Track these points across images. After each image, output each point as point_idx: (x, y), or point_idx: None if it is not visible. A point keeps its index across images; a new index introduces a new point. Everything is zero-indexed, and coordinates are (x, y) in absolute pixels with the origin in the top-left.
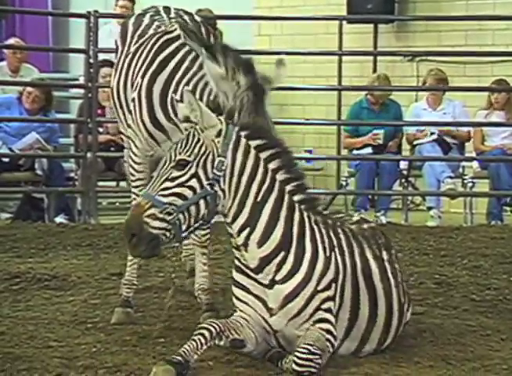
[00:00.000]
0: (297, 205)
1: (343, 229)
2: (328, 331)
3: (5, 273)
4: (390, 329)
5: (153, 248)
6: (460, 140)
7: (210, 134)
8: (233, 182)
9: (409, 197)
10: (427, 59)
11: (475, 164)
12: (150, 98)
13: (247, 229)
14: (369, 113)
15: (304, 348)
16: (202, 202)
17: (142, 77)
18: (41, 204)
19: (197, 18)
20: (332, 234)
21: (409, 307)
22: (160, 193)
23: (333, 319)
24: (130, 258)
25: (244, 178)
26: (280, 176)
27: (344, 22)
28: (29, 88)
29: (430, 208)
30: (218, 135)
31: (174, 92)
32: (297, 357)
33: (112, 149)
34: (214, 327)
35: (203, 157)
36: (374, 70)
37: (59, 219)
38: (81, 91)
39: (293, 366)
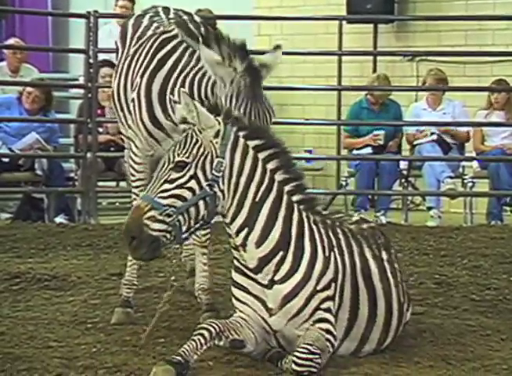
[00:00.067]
0: (295, 205)
1: (342, 229)
2: (328, 331)
3: (5, 273)
4: (389, 329)
5: (153, 250)
6: (459, 140)
7: (208, 135)
8: (232, 183)
9: (409, 197)
10: (426, 59)
11: (475, 164)
12: (149, 97)
13: (246, 230)
14: (369, 113)
15: (303, 348)
16: (201, 203)
17: (141, 77)
18: (41, 204)
19: (197, 18)
20: (331, 234)
21: (408, 307)
22: (159, 195)
23: (332, 319)
24: (130, 258)
25: (243, 179)
26: (279, 176)
27: (344, 22)
28: (29, 88)
29: (430, 208)
30: (216, 135)
31: (172, 89)
32: (297, 357)
33: (112, 149)
34: (213, 327)
35: (202, 158)
36: (374, 70)
37: (59, 219)
38: (81, 91)
39: (293, 366)
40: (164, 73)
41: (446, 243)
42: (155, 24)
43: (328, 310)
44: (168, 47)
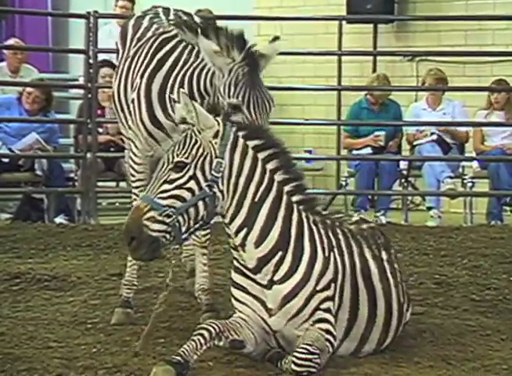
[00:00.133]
0: (295, 205)
1: (342, 230)
2: (327, 331)
3: (4, 274)
4: (389, 329)
5: (153, 251)
6: (459, 140)
7: (207, 135)
8: (231, 183)
9: (409, 197)
10: (426, 59)
11: (475, 164)
12: (149, 97)
13: (245, 230)
14: (369, 113)
15: (303, 348)
16: (201, 204)
17: (141, 77)
18: (40, 204)
19: (197, 19)
20: (331, 234)
21: (408, 307)
22: (158, 195)
23: (332, 319)
24: (130, 258)
25: (242, 179)
26: (278, 177)
27: (344, 22)
28: (29, 89)
29: (430, 208)
30: (216, 136)
31: (172, 87)
32: (296, 357)
33: (112, 149)
34: (213, 327)
35: (201, 159)
36: (374, 70)
37: (58, 220)
38: (81, 91)
39: (292, 366)
40: (163, 72)
41: (446, 243)
42: (155, 25)
43: (328, 310)
44: (168, 47)
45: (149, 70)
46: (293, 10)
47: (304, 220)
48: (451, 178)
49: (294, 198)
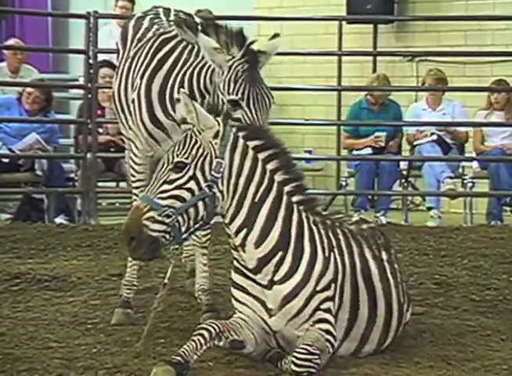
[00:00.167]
0: (295, 206)
1: (342, 230)
2: (327, 332)
3: (4, 274)
4: (389, 329)
5: (152, 251)
6: (458, 140)
7: (207, 135)
8: (231, 183)
9: (409, 198)
10: (426, 59)
11: (475, 164)
12: (149, 96)
13: (245, 230)
14: (369, 113)
15: (302, 348)
16: (200, 204)
17: (141, 78)
18: (40, 204)
19: (197, 19)
20: (331, 235)
21: (408, 307)
22: (158, 195)
23: (332, 320)
24: (130, 259)
25: (242, 179)
26: (279, 177)
27: (344, 22)
28: (29, 89)
29: (430, 208)
30: (216, 136)
31: (172, 87)
32: (296, 358)
33: (112, 149)
34: (213, 327)
35: (201, 159)
36: (374, 71)
37: (59, 220)
38: (81, 91)
39: (292, 366)
40: (163, 72)
41: (446, 243)
42: (155, 26)
43: (328, 311)
44: (168, 47)
45: (149, 70)
46: (293, 10)
47: (305, 220)
48: (451, 178)
49: (294, 198)
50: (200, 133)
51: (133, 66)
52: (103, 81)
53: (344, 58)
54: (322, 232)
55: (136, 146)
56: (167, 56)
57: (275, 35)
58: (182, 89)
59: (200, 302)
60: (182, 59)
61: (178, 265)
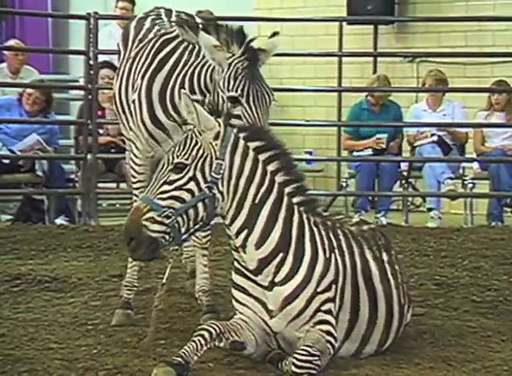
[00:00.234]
0: (296, 207)
1: (343, 231)
2: (328, 333)
3: (5, 275)
4: (390, 330)
5: (152, 251)
6: (458, 141)
7: (208, 136)
8: (231, 184)
9: (410, 198)
10: (427, 60)
11: (475, 165)
12: (150, 97)
13: (245, 231)
14: (370, 114)
15: (303, 349)
16: (200, 205)
17: (142, 78)
18: (41, 205)
19: (198, 20)
20: (332, 236)
21: (409, 308)
22: (158, 196)
23: (333, 321)
24: (130, 259)
25: (242, 181)
26: (279, 178)
27: (344, 23)
28: (29, 90)
29: (430, 209)
30: (216, 137)
31: (173, 87)
32: (297, 359)
33: (112, 150)
34: (213, 328)
35: (201, 160)
36: (374, 72)
37: (59, 221)
38: (81, 92)
39: (293, 367)
40: (164, 73)
41: (447, 244)
42: (157, 27)
43: (328, 312)
44: (168, 48)
45: (150, 70)
46: (293, 11)
47: (305, 221)
48: (451, 179)
49: (295, 199)
50: (200, 134)
51: (134, 66)
52: (103, 81)
53: (344, 59)
54: (323, 233)
55: (137, 147)
56: (168, 56)
57: (275, 33)
58: (182, 90)
59: (201, 303)
60: (183, 60)
61: (178, 265)
